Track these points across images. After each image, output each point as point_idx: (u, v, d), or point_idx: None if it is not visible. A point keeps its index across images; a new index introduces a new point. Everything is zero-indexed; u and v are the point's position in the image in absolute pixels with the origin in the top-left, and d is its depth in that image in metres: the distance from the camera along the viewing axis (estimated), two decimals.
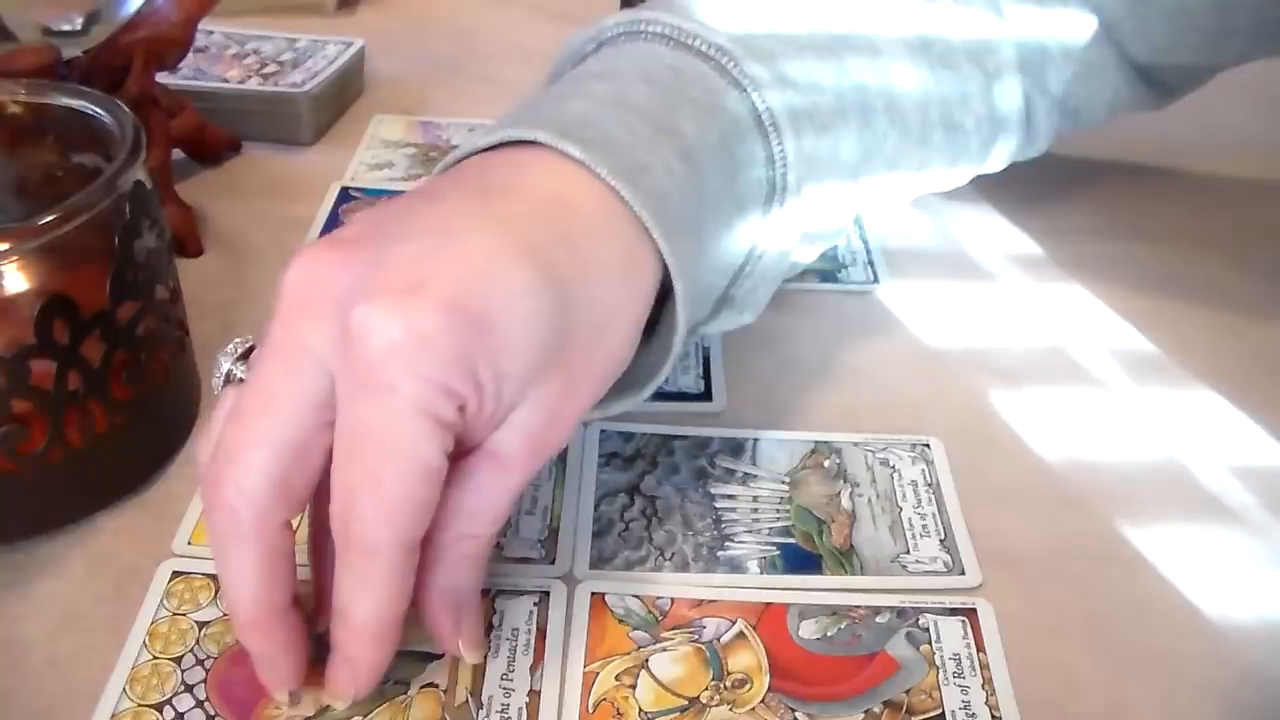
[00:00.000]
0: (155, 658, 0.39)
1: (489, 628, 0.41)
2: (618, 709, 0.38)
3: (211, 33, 0.78)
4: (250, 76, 0.73)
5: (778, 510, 0.46)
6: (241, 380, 0.38)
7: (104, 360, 0.42)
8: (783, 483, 0.48)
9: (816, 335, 0.57)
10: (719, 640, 0.41)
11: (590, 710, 0.38)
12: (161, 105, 0.63)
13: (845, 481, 0.48)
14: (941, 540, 0.45)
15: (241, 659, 0.39)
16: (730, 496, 0.47)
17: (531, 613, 0.41)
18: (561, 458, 0.48)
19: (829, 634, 0.41)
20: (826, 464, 0.48)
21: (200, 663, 0.39)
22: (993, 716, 0.38)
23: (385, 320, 0.32)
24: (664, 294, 0.40)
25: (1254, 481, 0.49)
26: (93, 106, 0.47)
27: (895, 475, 0.48)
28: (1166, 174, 0.72)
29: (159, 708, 0.38)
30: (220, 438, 0.35)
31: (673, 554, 0.44)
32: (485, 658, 0.39)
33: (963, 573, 0.44)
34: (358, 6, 0.91)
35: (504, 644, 0.40)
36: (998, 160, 0.58)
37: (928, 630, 0.41)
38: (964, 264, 0.63)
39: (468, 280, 0.33)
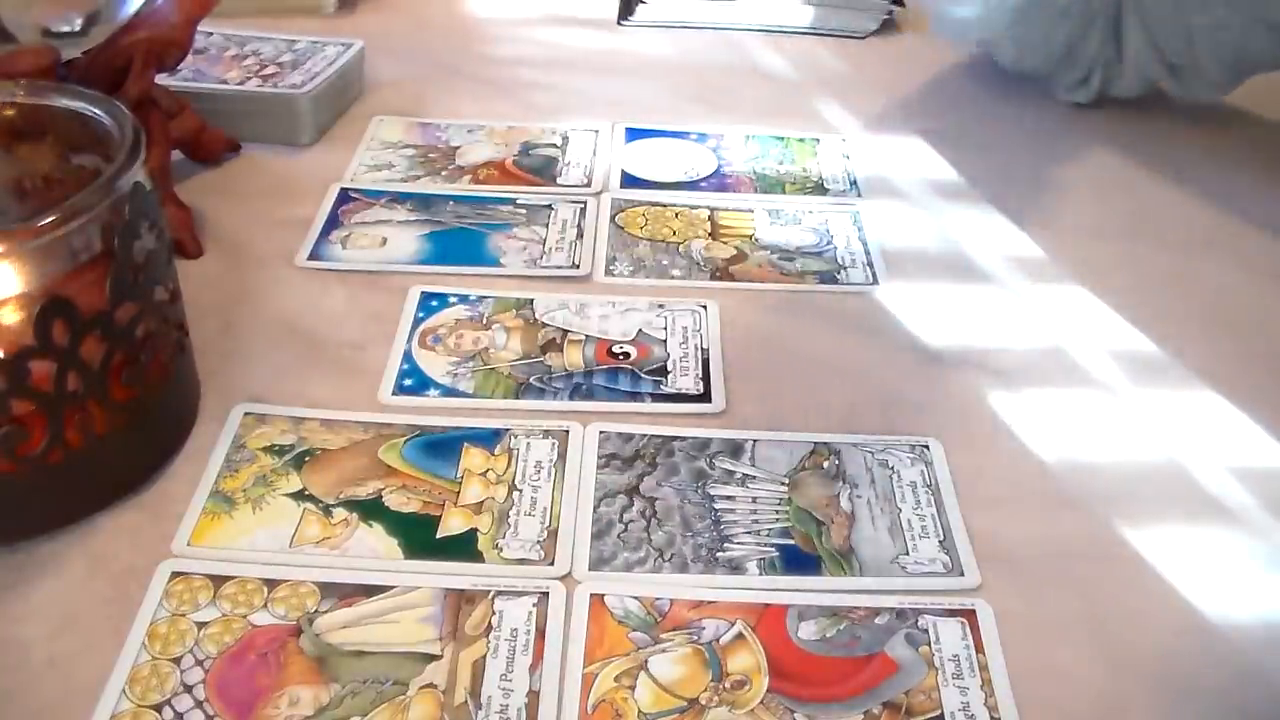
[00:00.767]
0: (155, 658, 0.39)
1: (488, 628, 0.41)
2: (617, 710, 0.38)
3: (211, 34, 0.78)
4: (250, 77, 0.73)
5: (777, 511, 0.46)
6: None
7: (103, 361, 0.42)
8: (782, 484, 0.48)
9: (816, 335, 0.57)
10: (718, 641, 0.41)
11: (589, 711, 0.38)
12: (161, 106, 0.63)
13: (844, 482, 0.48)
14: (940, 541, 0.45)
15: (241, 658, 0.39)
16: (729, 498, 0.47)
17: (531, 613, 0.41)
18: (561, 458, 0.48)
19: (828, 635, 0.41)
20: (825, 465, 0.48)
21: (200, 663, 0.39)
22: (992, 717, 0.38)
23: None
24: None
25: (1254, 481, 0.49)
26: (92, 107, 0.47)
27: (894, 476, 0.48)
28: (1166, 174, 0.72)
29: (159, 708, 0.38)
30: None
31: (672, 555, 0.44)
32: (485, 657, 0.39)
33: (962, 574, 0.44)
34: (358, 7, 0.91)
35: (504, 644, 0.40)
36: None
37: (927, 631, 0.41)
38: (964, 264, 0.63)
39: None
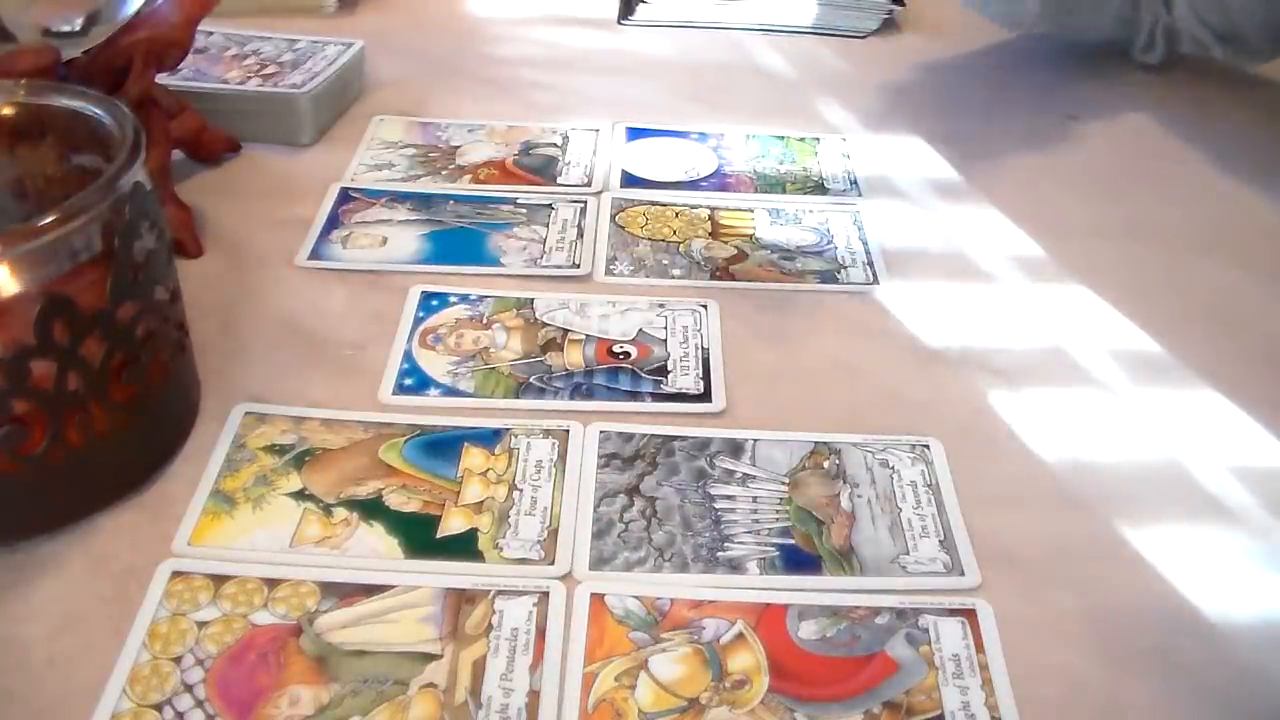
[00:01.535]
0: (155, 658, 0.39)
1: (488, 628, 0.41)
2: (617, 709, 0.38)
3: (211, 34, 0.78)
4: (250, 77, 0.73)
5: (777, 511, 0.46)
6: None
7: (104, 361, 0.42)
8: (782, 483, 0.48)
9: (816, 335, 0.57)
10: (718, 641, 0.41)
11: (590, 710, 0.38)
12: (161, 106, 0.63)
13: (845, 482, 0.48)
14: (941, 541, 0.45)
15: (241, 658, 0.39)
16: (730, 497, 0.47)
17: (531, 613, 0.41)
18: (561, 458, 0.48)
19: (828, 634, 0.41)
20: (826, 464, 0.48)
21: (200, 663, 0.39)
22: (992, 717, 0.38)
23: None
24: None
25: (1254, 481, 0.49)
26: (93, 107, 0.47)
27: (895, 476, 0.48)
28: (1167, 174, 0.72)
29: (159, 708, 0.38)
30: None
31: (672, 554, 0.44)
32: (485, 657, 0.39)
33: (962, 573, 0.44)
34: (358, 7, 0.91)
35: (504, 644, 0.40)
36: None
37: (927, 631, 0.41)
38: (964, 264, 0.63)
39: None
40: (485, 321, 0.57)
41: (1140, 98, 0.79)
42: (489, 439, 0.49)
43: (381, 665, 0.39)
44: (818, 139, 0.75)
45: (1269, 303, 0.60)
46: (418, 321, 0.56)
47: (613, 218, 0.65)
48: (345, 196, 0.66)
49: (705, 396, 0.52)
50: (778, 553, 0.44)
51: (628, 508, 0.46)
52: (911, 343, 0.57)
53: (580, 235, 0.63)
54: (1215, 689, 0.40)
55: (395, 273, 0.60)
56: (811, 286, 0.60)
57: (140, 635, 0.40)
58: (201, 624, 0.41)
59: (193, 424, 0.49)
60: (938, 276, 0.62)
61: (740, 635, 0.41)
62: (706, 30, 0.91)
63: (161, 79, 0.64)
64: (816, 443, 0.50)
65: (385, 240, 0.62)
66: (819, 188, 0.69)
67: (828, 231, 0.65)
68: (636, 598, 0.42)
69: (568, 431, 0.49)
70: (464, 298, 0.58)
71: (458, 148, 0.72)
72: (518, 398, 0.52)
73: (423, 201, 0.66)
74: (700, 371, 0.54)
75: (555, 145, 0.72)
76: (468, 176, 0.69)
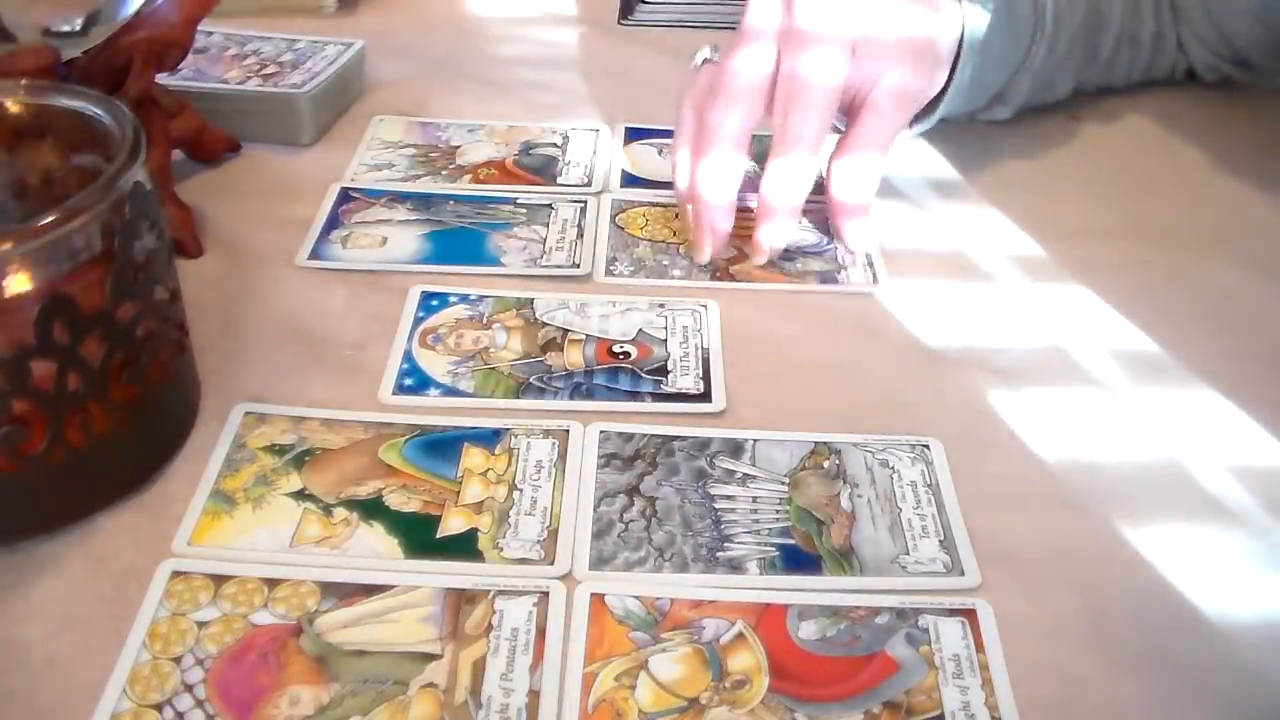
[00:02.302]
0: (155, 658, 0.39)
1: (488, 628, 0.41)
2: (617, 709, 0.38)
3: (211, 33, 0.78)
4: (250, 77, 0.73)
5: (777, 511, 0.46)
6: (713, 61, 0.62)
7: (104, 361, 0.42)
8: (782, 483, 0.48)
9: (816, 336, 0.57)
10: (718, 641, 0.41)
11: (590, 711, 0.38)
12: (161, 106, 0.63)
13: (845, 482, 0.48)
14: (941, 541, 0.45)
15: (241, 658, 0.39)
16: (730, 497, 0.47)
17: (531, 613, 0.41)
18: (561, 458, 0.48)
19: (828, 634, 0.41)
20: (826, 465, 0.48)
21: (200, 663, 0.39)
22: (992, 717, 0.38)
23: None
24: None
25: (1254, 481, 0.49)
26: (93, 107, 0.47)
27: (895, 476, 0.48)
28: (1167, 175, 0.72)
29: (159, 708, 0.38)
30: (715, 87, 0.59)
31: (672, 554, 0.44)
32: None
33: (962, 573, 0.44)
34: (358, 7, 0.91)
35: (504, 644, 0.40)
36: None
37: (927, 631, 0.41)
38: (964, 264, 0.63)
39: None
40: (485, 321, 0.57)
41: (1140, 98, 0.79)
42: (489, 439, 0.49)
43: (381, 665, 0.39)
44: None
45: (1269, 303, 0.60)
46: (418, 321, 0.56)
47: (613, 218, 0.65)
48: (345, 196, 0.66)
49: (705, 396, 0.52)
50: (778, 553, 0.44)
51: (628, 508, 0.46)
52: (911, 343, 0.57)
53: (580, 235, 0.63)
54: (1215, 689, 0.40)
55: (395, 273, 0.60)
56: (811, 287, 0.60)
57: (140, 635, 0.40)
58: (201, 624, 0.41)
59: (193, 424, 0.49)
60: (938, 276, 0.62)
61: (740, 635, 0.41)
62: (707, 30, 0.91)
63: (161, 79, 0.64)
64: (816, 443, 0.50)
65: (385, 240, 0.62)
66: (819, 187, 0.69)
67: (828, 231, 0.65)
68: (636, 598, 0.42)
69: (568, 431, 0.49)
70: (464, 298, 0.58)
71: (458, 148, 0.72)
72: (518, 398, 0.52)
73: (423, 201, 0.66)
74: (700, 371, 0.54)
75: (555, 145, 0.73)
76: (468, 176, 0.69)
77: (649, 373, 0.53)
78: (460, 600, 0.42)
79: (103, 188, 0.41)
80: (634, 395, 0.52)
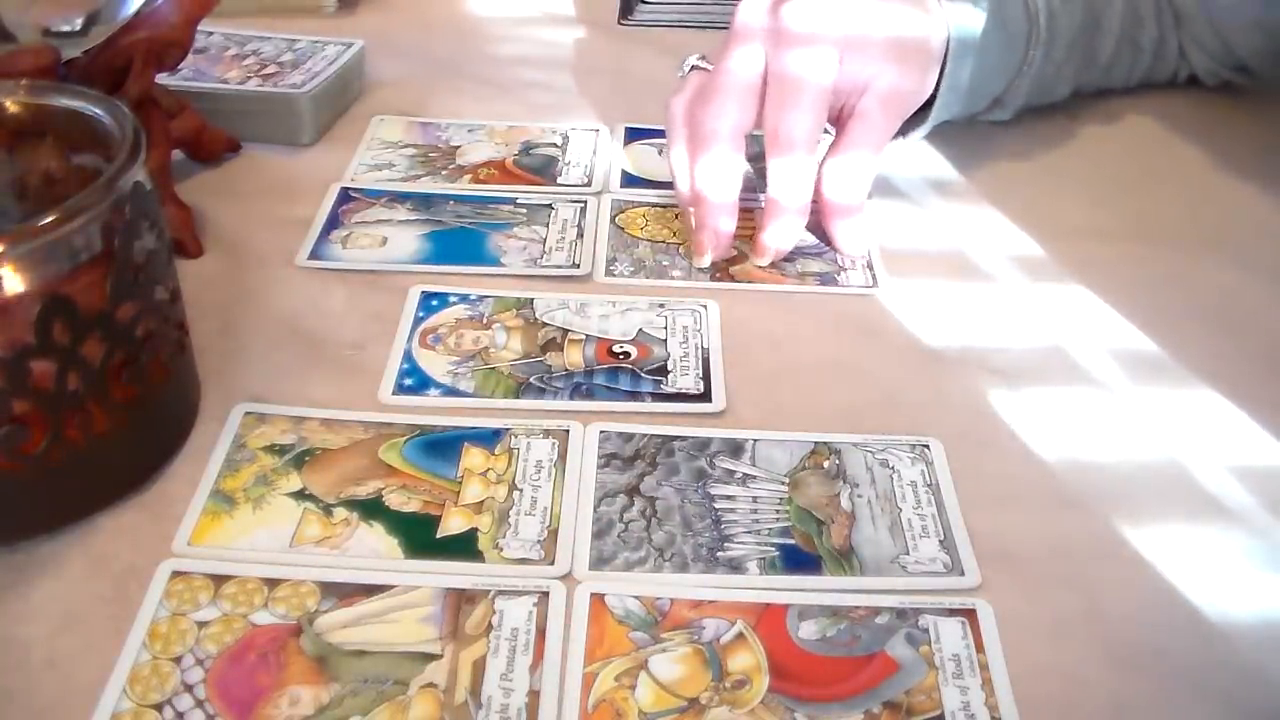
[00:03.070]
0: (155, 658, 0.39)
1: (488, 628, 0.41)
2: (617, 709, 0.38)
3: (211, 33, 0.78)
4: (250, 77, 0.73)
5: (777, 511, 0.46)
6: (700, 68, 0.62)
7: (104, 361, 0.42)
8: (782, 483, 0.48)
9: (816, 336, 0.57)
10: (718, 641, 0.41)
11: (590, 711, 0.38)
12: (161, 106, 0.63)
13: (845, 482, 0.48)
14: (941, 541, 0.45)
15: (241, 658, 0.39)
16: (730, 497, 0.47)
17: (531, 613, 0.41)
18: (561, 458, 0.48)
19: (828, 634, 0.41)
20: (826, 464, 0.48)
21: (200, 663, 0.39)
22: (992, 717, 0.38)
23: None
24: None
25: (1254, 481, 0.49)
26: (93, 107, 0.47)
27: (895, 476, 0.48)
28: (1167, 175, 0.72)
29: (159, 708, 0.38)
30: (708, 88, 0.59)
31: (672, 554, 0.44)
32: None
33: (962, 573, 0.44)
34: (358, 7, 0.91)
35: (504, 644, 0.40)
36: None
37: (927, 631, 0.41)
38: (964, 264, 0.63)
39: None
40: (485, 321, 0.57)
41: (1140, 98, 0.79)
42: (489, 439, 0.49)
43: (381, 665, 0.39)
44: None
45: (1269, 303, 0.60)
46: (418, 321, 0.56)
47: (613, 219, 0.65)
48: (345, 196, 0.66)
49: (705, 396, 0.52)
50: (778, 553, 0.44)
51: (628, 508, 0.46)
52: (911, 343, 0.57)
53: (580, 235, 0.63)
54: (1215, 689, 0.40)
55: (395, 273, 0.60)
56: (811, 287, 0.60)
57: (140, 635, 0.40)
58: (201, 624, 0.41)
59: (193, 424, 0.49)
60: (938, 277, 0.62)
61: (740, 635, 0.41)
62: (707, 30, 0.91)
63: (161, 79, 0.64)
64: (816, 443, 0.50)
65: (385, 240, 0.62)
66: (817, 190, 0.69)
67: None
68: (636, 598, 0.42)
69: (568, 431, 0.49)
70: (464, 298, 0.58)
71: (458, 148, 0.72)
72: (518, 398, 0.52)
73: (423, 201, 0.66)
74: (700, 371, 0.54)
75: (555, 145, 0.73)
76: (468, 176, 0.69)
77: (649, 373, 0.53)
78: (460, 600, 0.42)
79: (103, 188, 0.41)
80: (634, 395, 0.52)
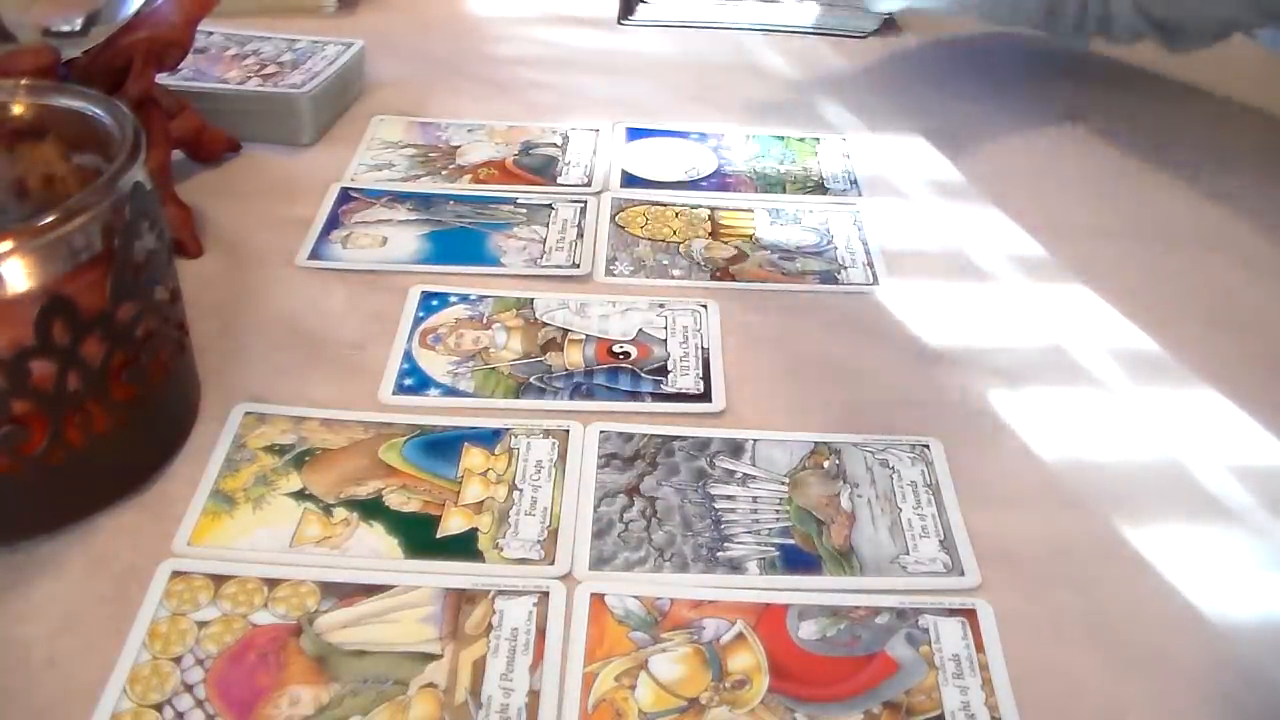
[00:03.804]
0: (155, 658, 0.39)
1: (488, 628, 0.41)
2: (617, 709, 0.38)
3: (211, 34, 0.78)
4: (250, 77, 0.73)
5: (777, 511, 0.46)
6: None
7: (104, 361, 0.42)
8: (782, 483, 0.48)
9: (816, 335, 0.57)
10: (718, 641, 0.41)
11: (590, 711, 0.38)
12: (161, 106, 0.63)
13: (845, 482, 0.48)
14: (941, 541, 0.45)
15: (241, 658, 0.39)
16: (730, 497, 0.47)
17: (531, 613, 0.41)
18: (561, 458, 0.48)
19: (828, 634, 0.41)
20: (826, 465, 0.48)
21: (200, 663, 0.39)
22: (992, 717, 0.38)
23: None
24: None
25: (1254, 481, 0.49)
26: (93, 107, 0.47)
27: (895, 476, 0.48)
28: (1167, 175, 0.72)
29: (159, 708, 0.38)
30: None
31: (672, 554, 0.44)
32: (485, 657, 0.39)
33: (962, 573, 0.44)
34: (358, 7, 0.91)
35: (504, 644, 0.40)
36: None
37: (927, 631, 0.41)
38: (964, 264, 0.63)
39: None
40: (485, 321, 0.57)
41: (1141, 97, 0.79)
42: (489, 439, 0.49)
43: (381, 665, 0.39)
44: (818, 139, 0.75)
45: (1269, 303, 0.60)
46: (418, 321, 0.56)
47: (613, 218, 0.65)
48: (345, 196, 0.66)
49: (705, 396, 0.52)
50: (778, 553, 0.44)
51: (628, 508, 0.46)
52: (911, 343, 0.57)
53: (580, 235, 0.63)
54: (1215, 689, 0.40)
55: (395, 273, 0.60)
56: (811, 287, 0.60)
57: (140, 635, 0.40)
58: (201, 624, 0.41)
59: (193, 424, 0.49)
60: (938, 276, 0.62)
61: (740, 635, 0.41)
62: (706, 30, 0.91)
63: (161, 79, 0.64)
64: (816, 443, 0.50)
65: (385, 240, 0.62)
66: (819, 188, 0.69)
67: (828, 231, 0.65)
68: (636, 598, 0.42)
69: (568, 431, 0.49)
70: (464, 298, 0.58)
71: (458, 148, 0.72)
72: (518, 398, 0.52)
73: (423, 201, 0.66)
74: (700, 371, 0.54)
75: (555, 145, 0.73)
76: (468, 176, 0.69)
77: (649, 373, 0.53)
78: (460, 600, 0.42)
79: (103, 188, 0.41)
80: (634, 395, 0.52)
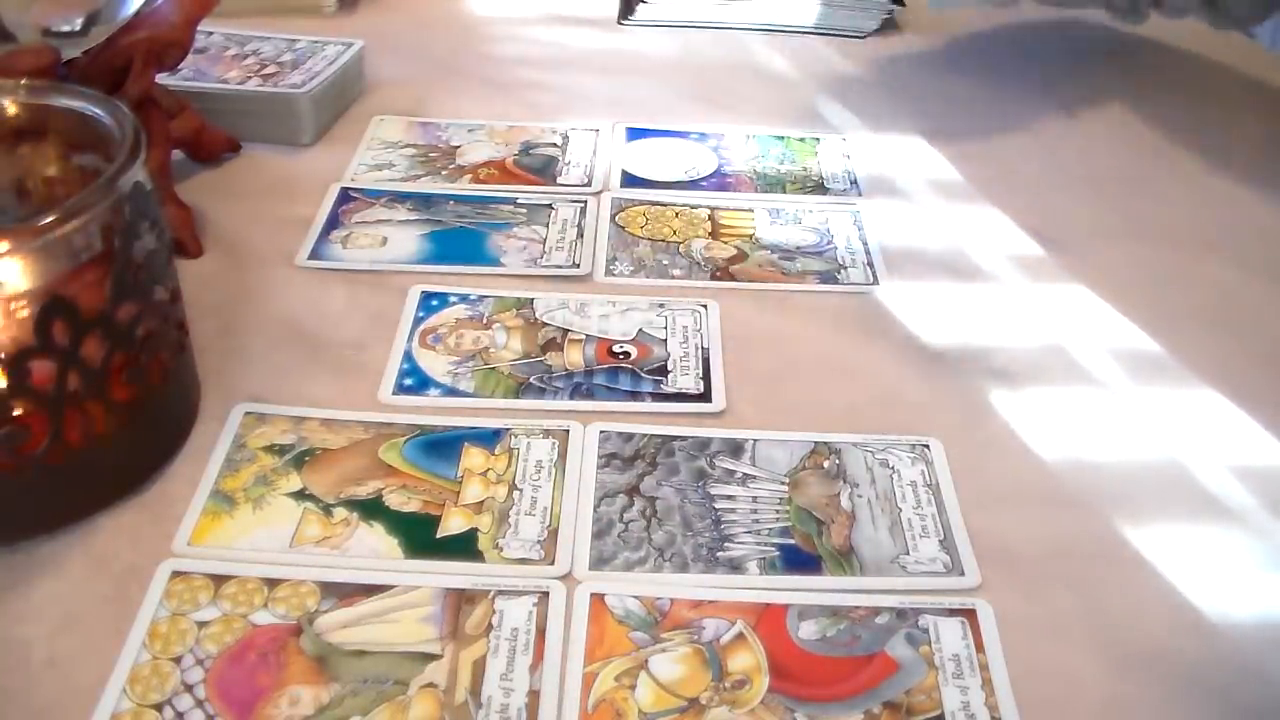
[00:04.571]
0: (155, 658, 0.39)
1: (488, 628, 0.41)
2: (617, 709, 0.38)
3: (211, 33, 0.78)
4: (250, 77, 0.73)
5: (777, 511, 0.46)
6: None
7: (104, 361, 0.42)
8: (782, 483, 0.48)
9: (816, 335, 0.57)
10: (718, 641, 0.41)
11: (590, 711, 0.38)
12: (161, 106, 0.63)
13: (845, 482, 0.48)
14: (941, 541, 0.45)
15: (241, 658, 0.39)
16: (730, 497, 0.47)
17: (531, 613, 0.41)
18: (561, 458, 0.48)
19: (828, 634, 0.41)
20: (826, 464, 0.48)
21: (200, 663, 0.39)
22: (992, 717, 0.38)
23: None
24: None
25: (1254, 481, 0.49)
26: (93, 107, 0.47)
27: (895, 476, 0.48)
28: (1167, 175, 0.72)
29: (159, 708, 0.38)
30: None
31: (672, 554, 0.44)
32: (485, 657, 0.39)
33: (962, 573, 0.44)
34: (358, 7, 0.91)
35: (504, 644, 0.40)
36: None
37: (927, 631, 0.41)
38: (964, 264, 0.63)
39: None
40: (485, 321, 0.57)
41: (1141, 97, 0.79)
42: (489, 439, 0.49)
43: (381, 665, 0.39)
44: (818, 139, 0.75)
45: (1269, 303, 0.60)
46: (418, 321, 0.56)
47: (613, 218, 0.65)
48: (345, 196, 0.66)
49: (705, 396, 0.52)
50: (778, 553, 0.44)
51: (628, 508, 0.46)
52: (911, 343, 0.57)
53: (580, 235, 0.63)
54: (1215, 689, 0.40)
55: (395, 273, 0.60)
56: (811, 286, 0.60)
57: (140, 635, 0.40)
58: (201, 624, 0.41)
59: (193, 424, 0.49)
60: (938, 276, 0.62)
61: (740, 635, 0.41)
62: (707, 30, 0.91)
63: (161, 79, 0.64)
64: (816, 443, 0.50)
65: (385, 240, 0.62)
66: (819, 188, 0.69)
67: (828, 231, 0.65)
68: (636, 598, 0.42)
69: (568, 431, 0.49)
70: (464, 298, 0.58)
71: (458, 148, 0.72)
72: (518, 398, 0.52)
73: (423, 201, 0.66)
74: (700, 371, 0.54)
75: (555, 145, 0.73)
76: (468, 176, 0.69)
77: (649, 373, 0.53)
78: (460, 600, 0.42)
79: (103, 188, 0.41)
80: (634, 395, 0.52)
